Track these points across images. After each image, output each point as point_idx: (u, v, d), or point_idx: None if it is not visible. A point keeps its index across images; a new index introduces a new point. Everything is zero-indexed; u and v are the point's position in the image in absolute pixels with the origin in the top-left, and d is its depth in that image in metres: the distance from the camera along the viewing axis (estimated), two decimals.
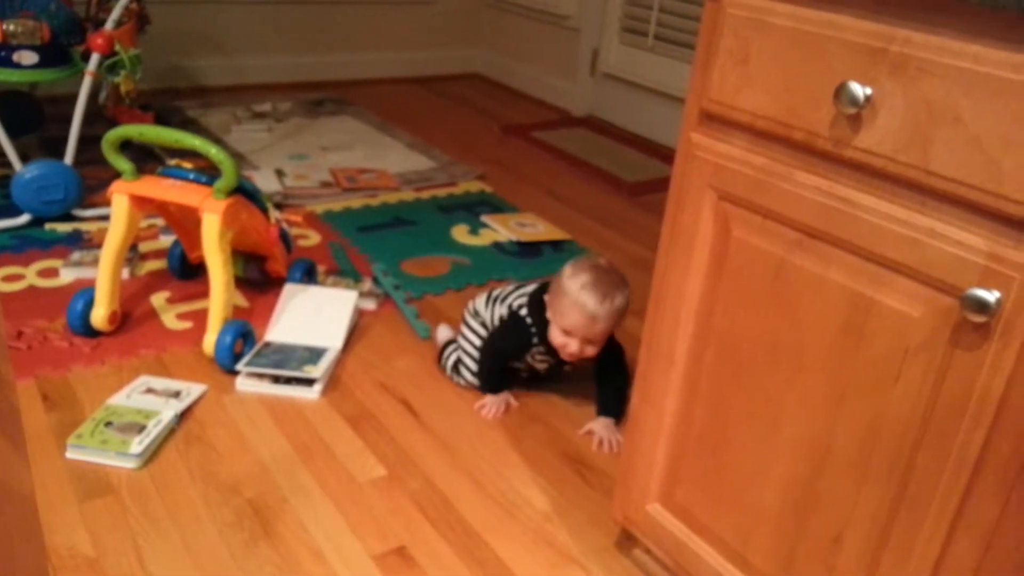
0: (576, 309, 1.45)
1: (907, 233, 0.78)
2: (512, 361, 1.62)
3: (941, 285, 0.77)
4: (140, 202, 1.69)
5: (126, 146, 1.75)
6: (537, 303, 1.56)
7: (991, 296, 0.73)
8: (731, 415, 1.00)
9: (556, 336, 1.49)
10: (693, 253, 1.00)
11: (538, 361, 1.61)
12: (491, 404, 1.59)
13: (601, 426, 1.55)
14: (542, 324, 1.53)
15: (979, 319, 0.74)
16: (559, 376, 1.66)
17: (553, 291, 1.51)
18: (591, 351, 1.50)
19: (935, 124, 0.74)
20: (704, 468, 1.06)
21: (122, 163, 1.67)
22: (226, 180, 1.62)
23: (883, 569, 0.86)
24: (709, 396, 1.03)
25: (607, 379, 1.60)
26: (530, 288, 1.62)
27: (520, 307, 1.59)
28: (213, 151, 1.61)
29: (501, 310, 1.63)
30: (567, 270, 1.50)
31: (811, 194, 0.85)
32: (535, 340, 1.55)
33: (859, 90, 0.78)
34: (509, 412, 1.60)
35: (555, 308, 1.49)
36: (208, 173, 1.69)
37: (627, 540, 1.28)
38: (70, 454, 1.38)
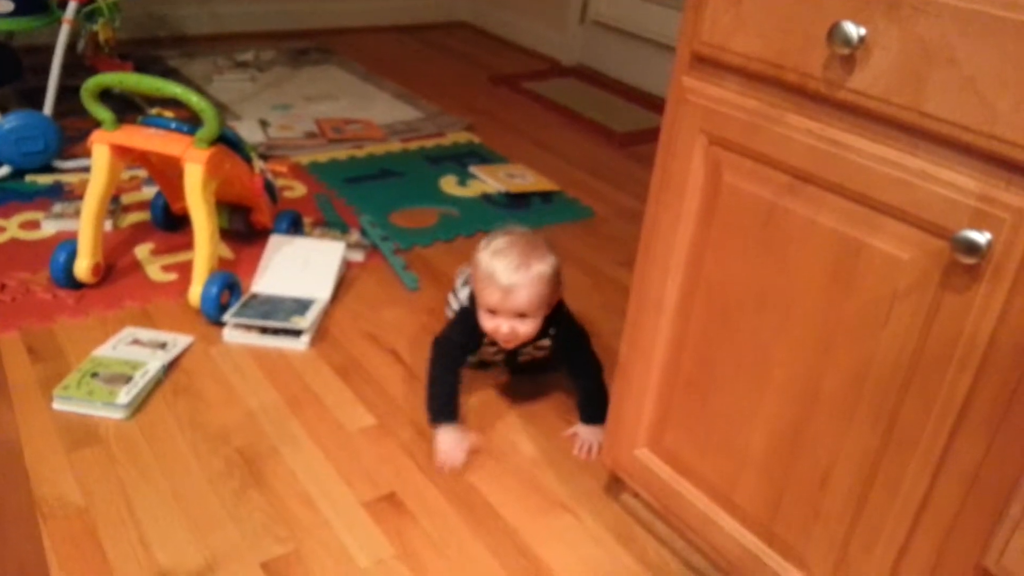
0: (490, 281, 1.29)
1: (898, 175, 0.77)
2: (462, 363, 1.41)
3: (932, 227, 0.76)
4: (121, 152, 1.66)
5: (106, 96, 1.71)
6: None
7: (982, 238, 0.72)
8: (719, 361, 1.01)
9: (484, 320, 1.33)
10: (683, 199, 0.99)
11: (491, 354, 1.46)
12: (442, 453, 1.33)
13: (587, 431, 1.40)
14: None
15: (969, 261, 0.73)
16: (517, 368, 1.52)
17: (472, 271, 1.37)
18: (525, 329, 1.31)
19: (929, 65, 0.73)
20: (692, 413, 1.06)
21: (102, 112, 1.64)
22: (208, 129, 1.59)
23: (869, 510, 0.88)
24: (698, 343, 1.03)
25: (578, 377, 1.43)
26: None
27: (469, 297, 1.43)
28: (194, 99, 1.57)
29: (464, 293, 1.50)
30: (482, 243, 1.35)
31: (803, 137, 0.84)
32: (481, 331, 1.37)
33: (853, 30, 0.76)
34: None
35: (476, 289, 1.34)
36: (190, 122, 1.65)
37: (616, 484, 1.30)
38: (57, 405, 1.38)
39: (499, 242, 1.32)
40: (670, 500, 1.13)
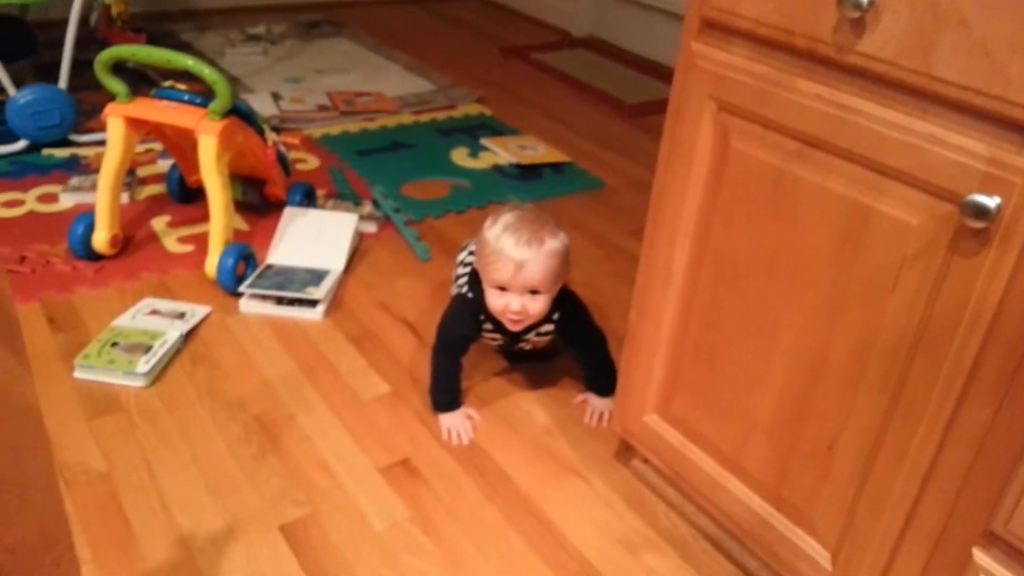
0: (501, 257, 1.25)
1: (908, 140, 0.77)
2: (463, 352, 1.39)
3: (941, 192, 0.76)
4: (135, 125, 1.68)
5: (120, 71, 1.72)
6: (476, 272, 1.36)
7: (991, 202, 0.72)
8: (727, 328, 1.01)
9: (493, 300, 1.29)
10: (692, 166, 0.99)
11: (489, 340, 1.42)
12: (449, 430, 1.35)
13: (597, 400, 1.42)
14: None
15: (978, 225, 0.73)
16: (514, 356, 1.51)
17: (478, 250, 1.32)
18: (536, 307, 1.29)
19: (940, 28, 0.73)
20: (700, 379, 1.07)
21: (116, 85, 1.65)
22: (220, 101, 1.60)
23: (876, 475, 0.89)
24: (706, 309, 1.04)
25: (583, 352, 1.43)
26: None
27: (463, 284, 1.41)
28: (206, 71, 1.58)
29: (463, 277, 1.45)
30: (487, 222, 1.32)
31: (812, 102, 0.84)
32: (482, 316, 1.36)
33: None
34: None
35: (482, 267, 1.30)
36: (203, 95, 1.66)
37: (626, 451, 1.31)
38: (78, 374, 1.41)
39: (508, 217, 1.29)
40: (679, 465, 1.14)
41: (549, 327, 1.38)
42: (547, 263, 1.26)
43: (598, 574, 1.13)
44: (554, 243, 1.27)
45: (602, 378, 1.40)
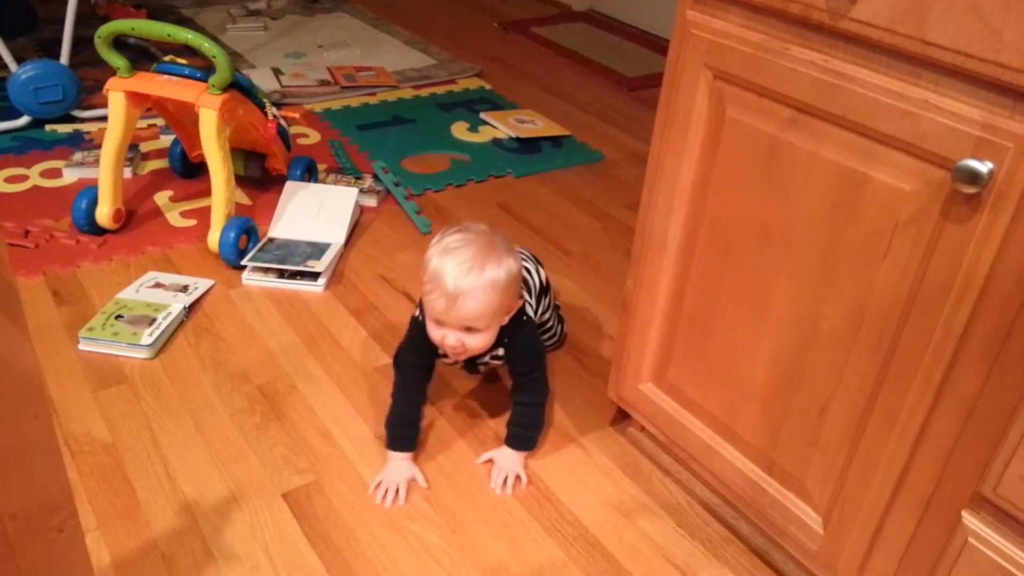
0: (436, 285, 1.09)
1: (901, 106, 0.78)
2: (422, 381, 1.25)
3: (934, 158, 0.77)
4: (136, 99, 1.68)
5: (123, 47, 1.72)
6: None
7: (983, 167, 0.72)
8: (721, 296, 1.02)
9: (431, 330, 1.14)
10: (687, 136, 1.00)
11: (449, 363, 1.28)
12: (381, 483, 1.19)
13: (508, 458, 1.24)
14: None
15: (970, 190, 0.74)
16: (477, 372, 1.35)
17: (421, 271, 1.15)
18: (474, 343, 1.13)
19: None
20: (695, 347, 1.09)
21: (116, 59, 1.65)
22: (220, 75, 1.60)
23: (867, 439, 0.90)
24: (700, 278, 1.05)
25: (520, 394, 1.26)
26: None
27: (419, 304, 1.22)
28: (206, 45, 1.58)
29: None
30: (435, 238, 1.16)
31: (807, 69, 0.84)
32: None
33: None
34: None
35: (423, 292, 1.14)
36: (203, 69, 1.66)
37: (622, 419, 1.33)
38: (83, 346, 1.42)
39: (452, 239, 1.13)
40: (674, 432, 1.16)
41: (501, 351, 1.22)
42: (484, 298, 1.09)
43: (594, 538, 1.15)
44: (496, 273, 1.10)
45: (527, 428, 1.25)
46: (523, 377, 1.25)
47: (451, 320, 1.11)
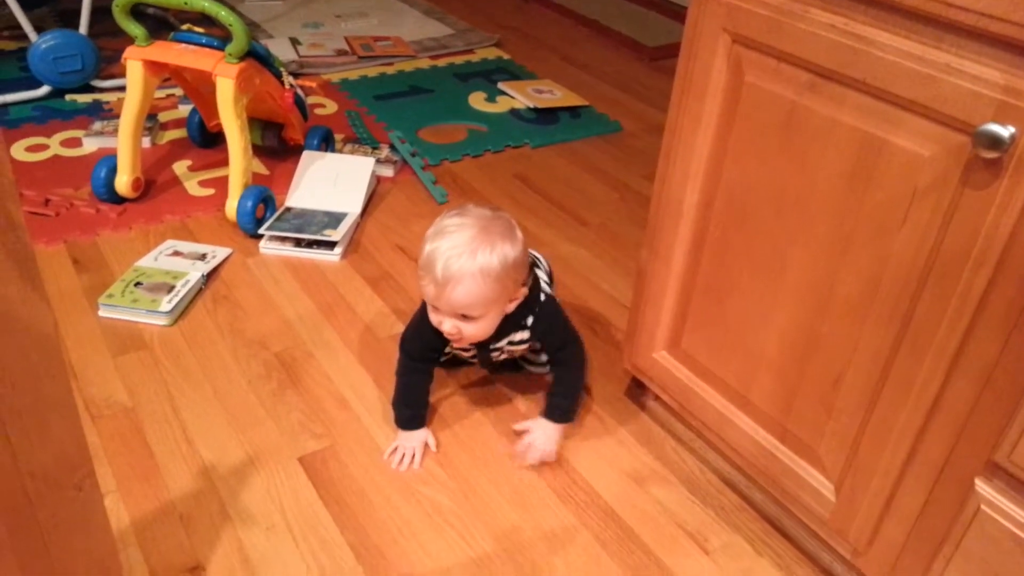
0: (428, 270, 1.06)
1: (922, 70, 0.76)
2: (427, 367, 1.24)
3: (954, 122, 0.75)
4: (154, 68, 1.69)
5: (142, 16, 1.72)
6: None
7: (1005, 131, 0.71)
8: (737, 264, 1.02)
9: (430, 312, 1.12)
10: (705, 102, 0.99)
11: (460, 351, 1.27)
12: (397, 448, 1.20)
13: (543, 434, 1.20)
14: None
15: (991, 155, 0.72)
16: (493, 367, 1.35)
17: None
18: (471, 331, 1.11)
19: None
20: (709, 316, 1.08)
21: (134, 28, 1.65)
22: (237, 43, 1.60)
23: (881, 408, 0.89)
24: (716, 246, 1.04)
25: (557, 366, 1.25)
26: None
27: None
28: (223, 13, 1.58)
29: None
30: (437, 218, 1.13)
31: (826, 32, 0.83)
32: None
33: None
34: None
35: (419, 275, 1.11)
36: (221, 38, 1.67)
37: (636, 388, 1.33)
38: (102, 313, 1.44)
39: (449, 221, 1.09)
40: (688, 401, 1.16)
41: (523, 335, 1.19)
42: (474, 286, 1.05)
43: (606, 504, 1.15)
44: (487, 259, 1.05)
45: (560, 397, 1.21)
46: (559, 352, 1.23)
47: (443, 306, 1.09)
